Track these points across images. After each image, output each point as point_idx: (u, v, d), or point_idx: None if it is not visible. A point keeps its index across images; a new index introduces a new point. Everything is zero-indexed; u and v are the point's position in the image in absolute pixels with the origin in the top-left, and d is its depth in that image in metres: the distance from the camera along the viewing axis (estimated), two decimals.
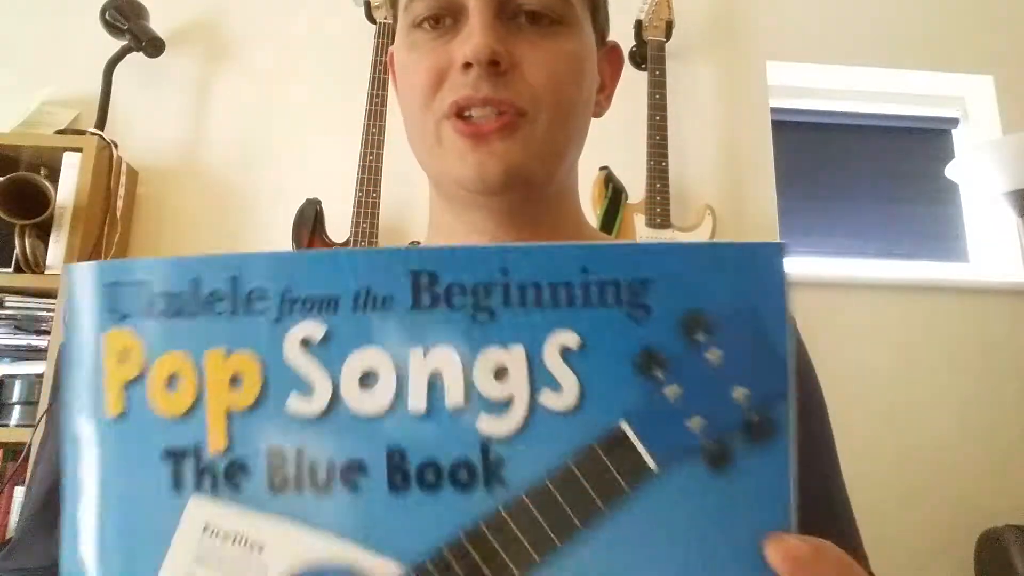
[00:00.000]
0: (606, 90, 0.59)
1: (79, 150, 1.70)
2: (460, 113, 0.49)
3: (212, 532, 0.29)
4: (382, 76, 1.82)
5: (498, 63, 0.48)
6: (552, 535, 0.29)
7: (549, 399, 0.29)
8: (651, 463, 0.29)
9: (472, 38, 0.48)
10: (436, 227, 0.59)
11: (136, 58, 1.89)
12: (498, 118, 0.49)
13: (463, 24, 0.50)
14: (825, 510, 0.52)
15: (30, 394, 1.58)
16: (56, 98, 1.86)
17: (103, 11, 1.86)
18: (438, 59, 0.50)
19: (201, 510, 0.29)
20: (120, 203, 1.76)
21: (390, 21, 1.88)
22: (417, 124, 0.52)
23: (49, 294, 1.63)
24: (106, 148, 1.74)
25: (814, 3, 2.16)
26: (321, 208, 1.78)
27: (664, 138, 1.84)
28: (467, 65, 0.48)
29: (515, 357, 0.29)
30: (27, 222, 1.57)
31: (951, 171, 1.89)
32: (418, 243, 2.06)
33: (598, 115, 0.58)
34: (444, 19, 0.51)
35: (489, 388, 0.29)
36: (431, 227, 0.60)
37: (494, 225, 0.54)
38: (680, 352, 0.29)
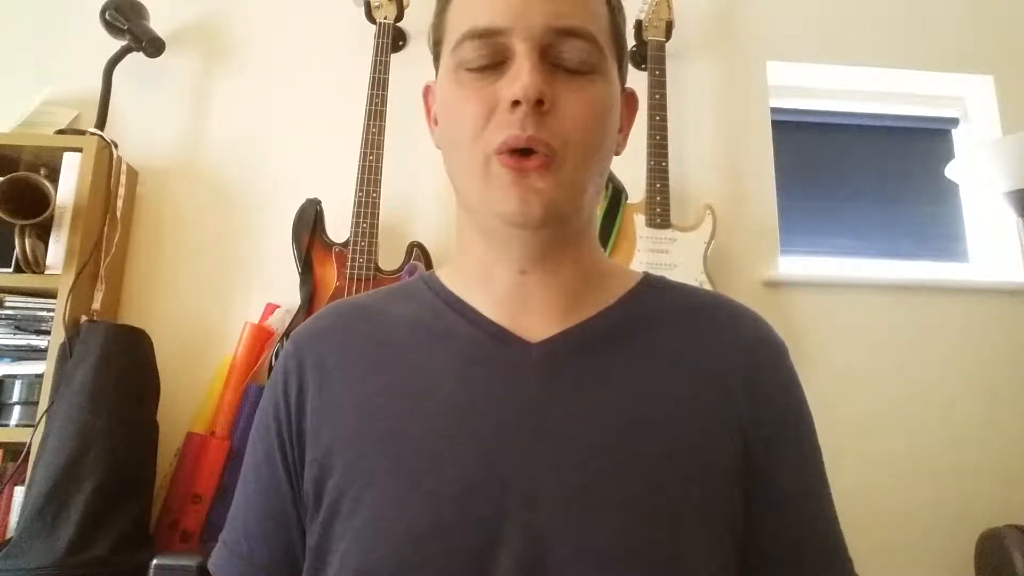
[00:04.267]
0: (623, 131, 0.65)
1: (79, 150, 1.69)
2: (508, 150, 0.54)
3: None
4: (382, 76, 1.81)
5: (543, 102, 0.53)
6: None
7: None
8: None
9: (520, 79, 0.53)
10: (466, 254, 0.64)
11: (136, 58, 1.89)
12: (536, 156, 0.54)
13: (507, 66, 0.55)
14: (820, 535, 0.60)
15: (30, 394, 1.58)
16: (56, 98, 1.86)
17: (103, 11, 1.86)
18: (486, 97, 0.55)
19: None
20: (120, 203, 1.76)
21: (390, 21, 1.88)
22: (464, 156, 0.57)
23: (49, 294, 1.63)
24: (106, 148, 1.74)
25: (814, 3, 2.16)
26: (321, 208, 1.78)
27: (664, 138, 1.84)
28: (515, 103, 0.53)
29: None
30: (27, 222, 1.57)
31: (951, 171, 1.89)
32: (419, 243, 2.03)
33: (617, 154, 0.63)
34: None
35: None
36: (460, 253, 0.65)
37: (522, 256, 0.59)
38: None
